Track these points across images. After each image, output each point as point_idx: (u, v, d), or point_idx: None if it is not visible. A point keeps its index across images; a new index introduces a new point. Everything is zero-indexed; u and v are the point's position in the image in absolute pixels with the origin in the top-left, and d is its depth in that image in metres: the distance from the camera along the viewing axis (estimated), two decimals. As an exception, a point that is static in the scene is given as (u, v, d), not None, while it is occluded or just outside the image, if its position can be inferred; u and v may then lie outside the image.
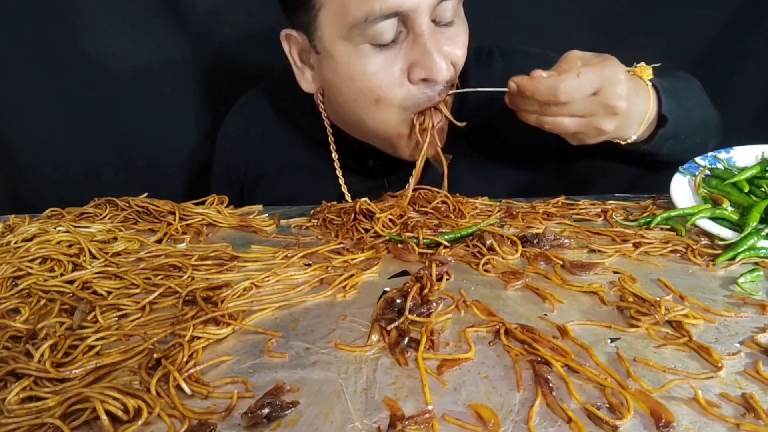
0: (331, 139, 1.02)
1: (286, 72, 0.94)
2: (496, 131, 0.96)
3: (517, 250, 0.71)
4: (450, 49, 0.82)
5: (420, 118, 0.86)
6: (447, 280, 0.66)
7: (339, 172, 1.04)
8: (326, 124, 1.02)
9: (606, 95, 0.73)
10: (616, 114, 0.74)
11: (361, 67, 0.81)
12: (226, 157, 1.13)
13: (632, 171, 1.00)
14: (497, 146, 1.00)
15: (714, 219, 0.75)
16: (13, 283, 0.66)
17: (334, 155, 1.03)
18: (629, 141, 0.83)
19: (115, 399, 0.45)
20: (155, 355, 0.51)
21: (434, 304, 0.59)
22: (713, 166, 0.86)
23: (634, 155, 0.89)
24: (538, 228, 0.79)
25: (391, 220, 0.79)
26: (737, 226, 0.73)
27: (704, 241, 0.73)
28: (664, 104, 0.80)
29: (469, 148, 0.99)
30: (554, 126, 0.77)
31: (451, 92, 0.85)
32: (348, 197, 1.02)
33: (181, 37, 1.26)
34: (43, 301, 0.63)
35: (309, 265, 0.70)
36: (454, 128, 0.96)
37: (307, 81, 0.92)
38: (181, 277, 0.68)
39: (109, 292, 0.65)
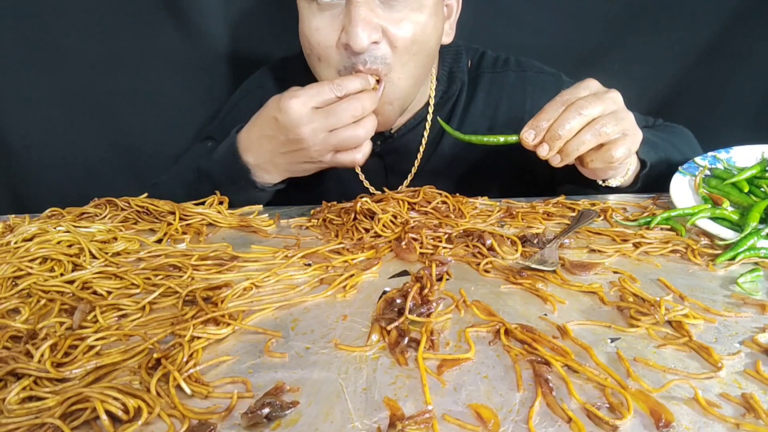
0: None
1: (287, 59, 0.99)
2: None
3: (517, 250, 0.71)
4: (390, 27, 0.83)
5: None
6: (447, 280, 0.66)
7: None
8: None
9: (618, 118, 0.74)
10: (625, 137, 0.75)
11: (308, 23, 0.86)
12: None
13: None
14: (489, 157, 1.02)
15: (714, 219, 0.75)
16: (13, 283, 0.66)
17: None
18: (613, 184, 0.87)
19: (115, 399, 0.45)
20: (155, 355, 0.51)
21: (434, 304, 0.59)
22: (713, 166, 0.86)
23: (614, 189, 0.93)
24: (538, 228, 0.79)
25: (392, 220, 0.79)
26: (737, 226, 0.73)
27: (704, 241, 0.73)
28: (641, 151, 0.84)
29: (456, 154, 1.01)
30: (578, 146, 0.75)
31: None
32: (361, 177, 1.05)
33: (181, 37, 1.26)
34: (43, 301, 0.63)
35: (309, 265, 0.70)
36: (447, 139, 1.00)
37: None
38: (181, 277, 0.68)
39: (109, 292, 0.65)
